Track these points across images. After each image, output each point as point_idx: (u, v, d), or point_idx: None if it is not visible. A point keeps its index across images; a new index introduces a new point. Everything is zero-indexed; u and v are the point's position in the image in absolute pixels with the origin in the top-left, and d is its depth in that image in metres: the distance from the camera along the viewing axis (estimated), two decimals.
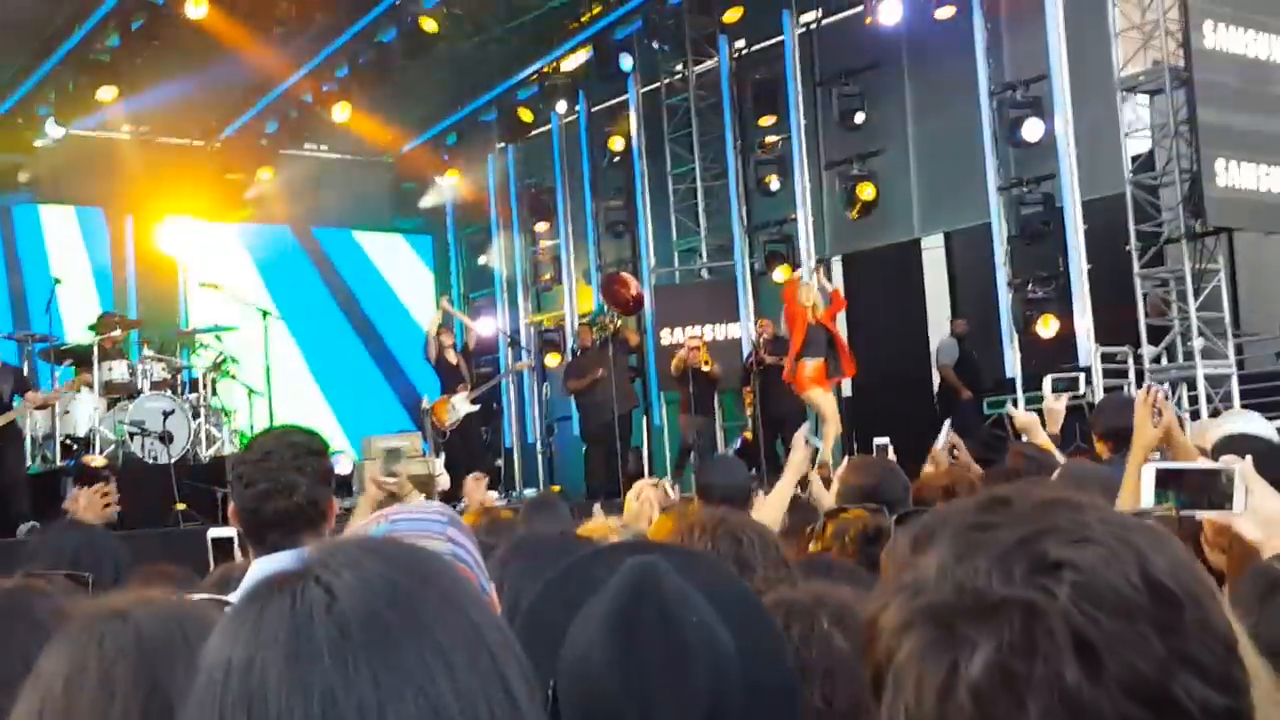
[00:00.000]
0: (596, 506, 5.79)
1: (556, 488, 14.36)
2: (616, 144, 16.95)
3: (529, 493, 15.45)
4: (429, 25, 14.78)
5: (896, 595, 1.04)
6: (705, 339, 14.52)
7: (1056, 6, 12.53)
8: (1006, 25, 13.32)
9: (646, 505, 5.13)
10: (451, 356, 13.91)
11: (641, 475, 13.46)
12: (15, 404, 10.44)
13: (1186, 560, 1.01)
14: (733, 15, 14.96)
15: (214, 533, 4.65)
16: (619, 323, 14.61)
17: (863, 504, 3.78)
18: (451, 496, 12.75)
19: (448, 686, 0.97)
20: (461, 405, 13.59)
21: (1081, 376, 11.77)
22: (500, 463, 15.85)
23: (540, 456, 17.25)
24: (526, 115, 17.08)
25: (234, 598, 2.79)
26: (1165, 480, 2.40)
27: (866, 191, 14.63)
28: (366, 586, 1.01)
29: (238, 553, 4.19)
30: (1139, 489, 4.18)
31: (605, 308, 15.50)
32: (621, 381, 14.10)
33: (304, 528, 2.97)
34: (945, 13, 13.65)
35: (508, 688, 1.00)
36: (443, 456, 13.68)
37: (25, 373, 11.35)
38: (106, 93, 13.80)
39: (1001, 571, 0.98)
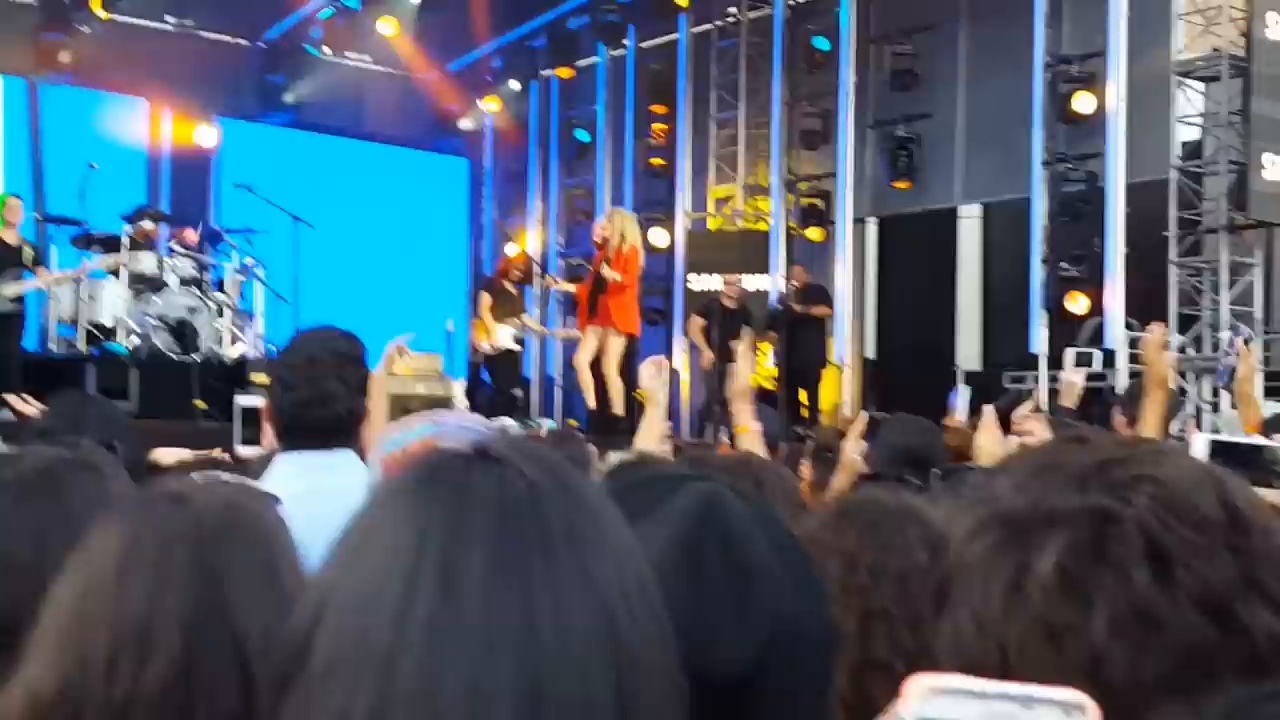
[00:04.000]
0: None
1: (574, 422, 14.29)
2: (662, 84, 16.81)
3: (546, 423, 15.43)
4: None
5: (968, 510, 1.03)
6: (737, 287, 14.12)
7: None
8: None
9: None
10: (511, 286, 13.57)
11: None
12: (26, 278, 10.29)
13: (1260, 498, 1.02)
14: None
15: (243, 400, 4.63)
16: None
17: (902, 471, 3.57)
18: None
19: (617, 589, 0.98)
20: (504, 337, 13.20)
21: (1100, 355, 11.80)
22: (519, 392, 15.80)
23: (559, 390, 17.24)
24: (574, 48, 16.96)
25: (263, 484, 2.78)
26: (1217, 452, 2.39)
27: (905, 161, 14.41)
28: (555, 478, 1.01)
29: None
30: (1161, 423, 4.19)
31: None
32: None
33: (338, 437, 2.89)
34: None
35: (653, 606, 1.01)
36: (463, 380, 13.58)
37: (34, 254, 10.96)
38: None
39: (1078, 487, 0.98)
